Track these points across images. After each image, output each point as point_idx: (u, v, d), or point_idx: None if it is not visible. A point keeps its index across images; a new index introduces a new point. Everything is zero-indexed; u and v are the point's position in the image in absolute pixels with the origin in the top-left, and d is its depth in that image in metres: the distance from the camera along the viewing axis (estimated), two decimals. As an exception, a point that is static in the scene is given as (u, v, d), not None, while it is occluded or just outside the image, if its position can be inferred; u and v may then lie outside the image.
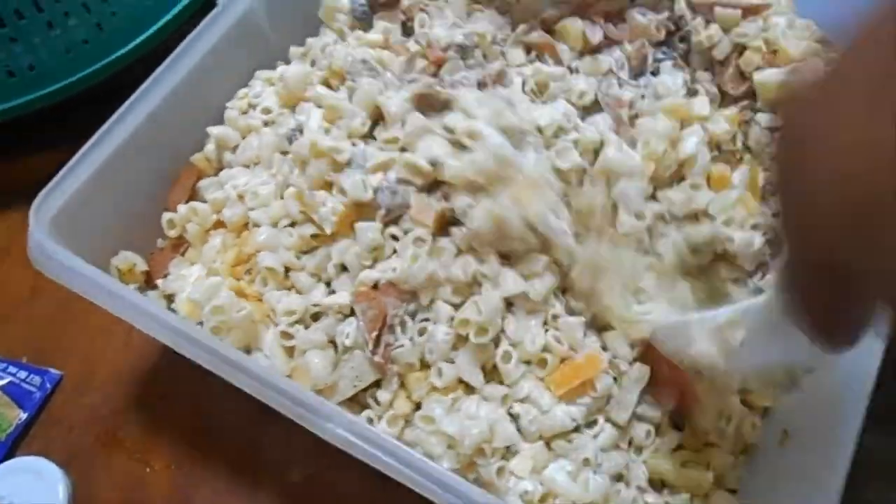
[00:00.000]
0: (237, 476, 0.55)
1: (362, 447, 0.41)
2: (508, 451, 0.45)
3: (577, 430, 0.46)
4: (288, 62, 0.60)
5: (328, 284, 0.50)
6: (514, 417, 0.46)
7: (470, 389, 0.46)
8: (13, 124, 0.64)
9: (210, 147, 0.57)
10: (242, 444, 0.56)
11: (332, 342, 0.48)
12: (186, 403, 0.57)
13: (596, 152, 0.50)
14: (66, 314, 0.62)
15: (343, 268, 0.49)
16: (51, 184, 0.49)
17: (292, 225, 0.50)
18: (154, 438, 0.57)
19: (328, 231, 0.48)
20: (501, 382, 0.46)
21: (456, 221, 0.47)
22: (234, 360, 0.43)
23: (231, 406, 0.55)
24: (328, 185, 0.49)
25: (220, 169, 0.57)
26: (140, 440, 0.57)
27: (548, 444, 0.45)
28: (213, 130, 0.56)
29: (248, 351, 0.49)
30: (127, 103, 0.53)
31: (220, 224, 0.54)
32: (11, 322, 0.62)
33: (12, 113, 0.63)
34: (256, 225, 0.52)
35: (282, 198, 0.51)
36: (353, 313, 0.47)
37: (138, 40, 0.65)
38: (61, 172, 0.50)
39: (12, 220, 0.67)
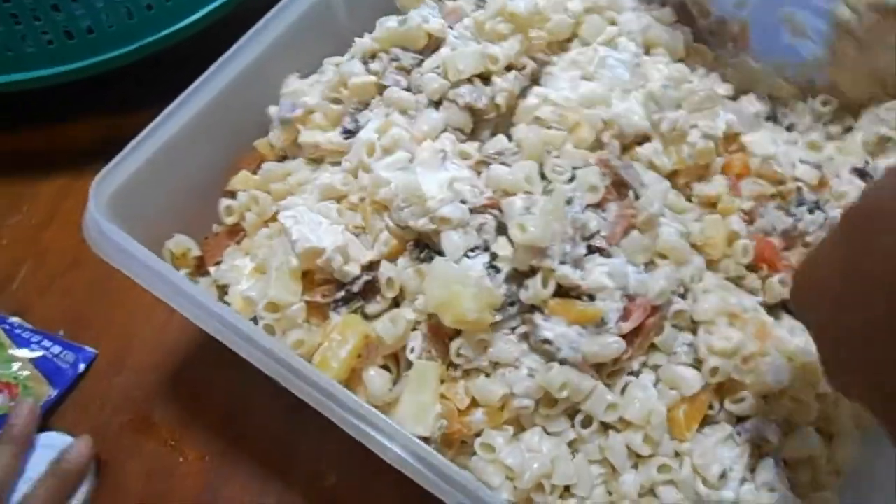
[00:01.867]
0: (269, 474, 0.54)
1: (424, 473, 0.39)
2: (567, 491, 0.43)
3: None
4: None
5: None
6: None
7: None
8: (65, 88, 0.62)
9: (274, 133, 0.54)
10: (277, 440, 0.54)
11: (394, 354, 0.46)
12: (222, 393, 0.56)
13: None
14: (106, 289, 0.60)
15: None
16: (111, 162, 0.47)
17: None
18: (188, 426, 0.55)
19: (377, 257, 0.47)
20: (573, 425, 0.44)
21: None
22: (296, 368, 0.41)
23: (267, 399, 0.54)
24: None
25: (284, 156, 0.55)
26: (175, 427, 0.55)
27: (609, 493, 0.44)
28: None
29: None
30: (194, 85, 0.51)
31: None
32: (50, 292, 0.61)
33: (67, 77, 0.61)
34: (317, 223, 0.50)
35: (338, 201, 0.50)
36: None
37: (204, 11, 0.62)
38: (123, 151, 0.48)
39: (58, 186, 0.65)
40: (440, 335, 0.45)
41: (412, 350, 0.44)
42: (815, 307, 0.34)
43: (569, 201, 0.44)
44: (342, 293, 0.46)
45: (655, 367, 0.45)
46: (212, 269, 0.52)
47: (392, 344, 0.45)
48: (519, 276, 0.44)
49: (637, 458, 0.44)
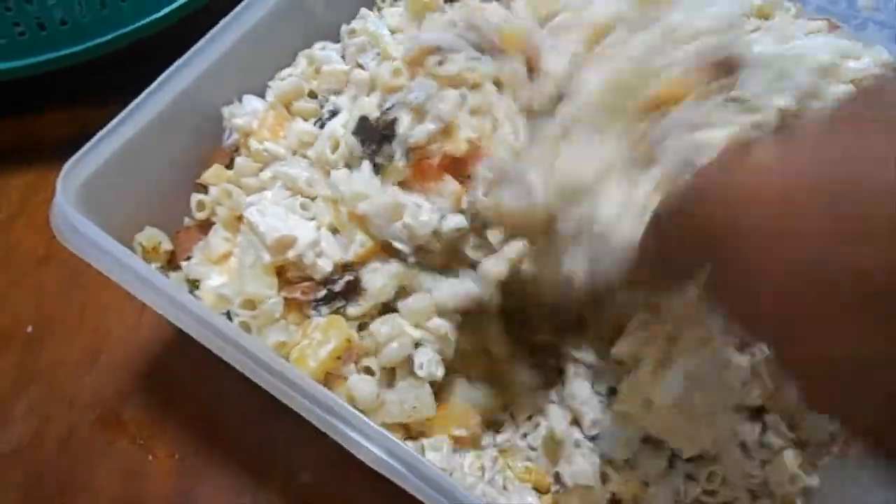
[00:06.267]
0: (242, 473, 0.52)
1: (404, 474, 0.38)
2: None
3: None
4: (338, 41, 0.57)
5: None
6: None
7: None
8: (36, 80, 0.60)
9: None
10: (250, 439, 0.53)
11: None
12: (195, 391, 0.55)
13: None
14: (76, 285, 0.59)
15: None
16: (82, 150, 0.46)
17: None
18: (159, 425, 0.54)
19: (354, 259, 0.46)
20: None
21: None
22: (271, 366, 0.40)
23: (241, 397, 0.53)
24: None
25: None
26: (144, 425, 0.54)
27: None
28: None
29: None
30: (166, 73, 0.49)
31: (252, 210, 0.51)
32: (19, 288, 0.59)
33: (39, 69, 0.59)
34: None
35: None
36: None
37: (179, 2, 0.61)
38: (92, 140, 0.47)
39: (28, 180, 0.64)
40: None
41: (420, 366, 0.44)
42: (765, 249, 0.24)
43: None
44: (324, 292, 0.45)
45: None
46: (183, 264, 0.51)
47: (395, 361, 0.44)
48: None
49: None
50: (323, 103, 0.53)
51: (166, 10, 0.61)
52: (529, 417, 0.47)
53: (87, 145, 0.46)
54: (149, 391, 0.55)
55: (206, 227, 0.52)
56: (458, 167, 0.44)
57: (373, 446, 0.39)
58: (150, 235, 0.50)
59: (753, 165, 0.25)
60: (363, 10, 0.56)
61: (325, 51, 0.55)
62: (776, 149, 0.25)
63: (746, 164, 0.26)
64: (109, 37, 0.60)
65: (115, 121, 0.47)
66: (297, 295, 0.44)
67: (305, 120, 0.53)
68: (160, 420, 0.54)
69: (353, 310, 0.44)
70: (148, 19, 0.60)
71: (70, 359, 0.57)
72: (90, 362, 0.56)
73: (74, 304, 0.59)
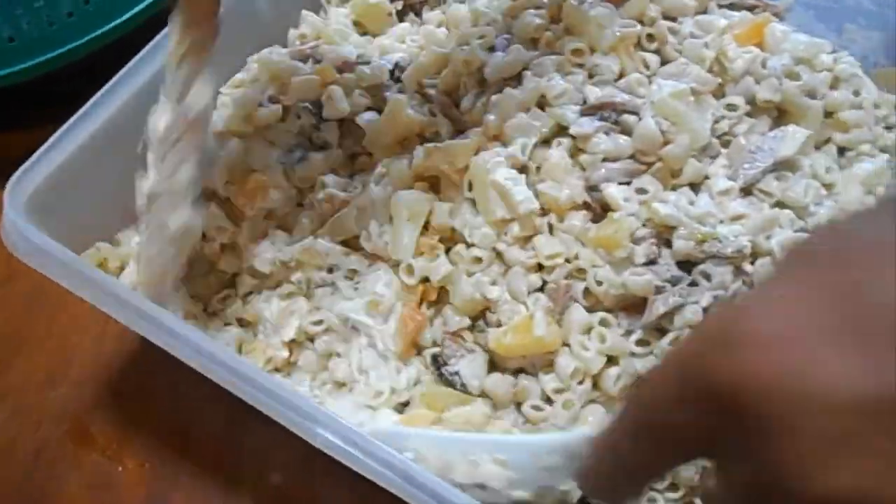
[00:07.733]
0: (214, 478, 0.52)
1: (356, 456, 0.38)
2: None
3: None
4: (285, 45, 0.57)
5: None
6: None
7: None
8: (-9, 97, 0.61)
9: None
10: (221, 444, 0.53)
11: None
12: (163, 400, 0.55)
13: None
14: (40, 302, 0.59)
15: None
16: (28, 162, 0.46)
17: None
18: (128, 435, 0.54)
19: None
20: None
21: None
22: (222, 360, 0.41)
23: (210, 404, 0.53)
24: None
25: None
26: (113, 437, 0.54)
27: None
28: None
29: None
30: (111, 82, 0.50)
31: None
32: (-17, 307, 0.59)
33: (-7, 85, 0.59)
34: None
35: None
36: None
37: (125, 16, 0.61)
38: (40, 150, 0.47)
39: (-15, 200, 0.63)
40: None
41: None
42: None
43: None
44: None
45: None
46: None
47: None
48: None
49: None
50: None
51: (115, 22, 0.61)
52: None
53: (34, 156, 0.46)
54: (116, 403, 0.55)
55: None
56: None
57: (334, 437, 0.39)
58: (98, 250, 0.51)
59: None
60: (304, 13, 0.57)
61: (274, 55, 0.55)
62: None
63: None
64: (58, 52, 0.60)
65: (59, 131, 0.47)
66: None
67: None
68: (129, 430, 0.54)
69: None
70: (96, 33, 0.61)
71: (37, 375, 0.56)
72: (57, 377, 0.56)
73: (39, 320, 0.58)
